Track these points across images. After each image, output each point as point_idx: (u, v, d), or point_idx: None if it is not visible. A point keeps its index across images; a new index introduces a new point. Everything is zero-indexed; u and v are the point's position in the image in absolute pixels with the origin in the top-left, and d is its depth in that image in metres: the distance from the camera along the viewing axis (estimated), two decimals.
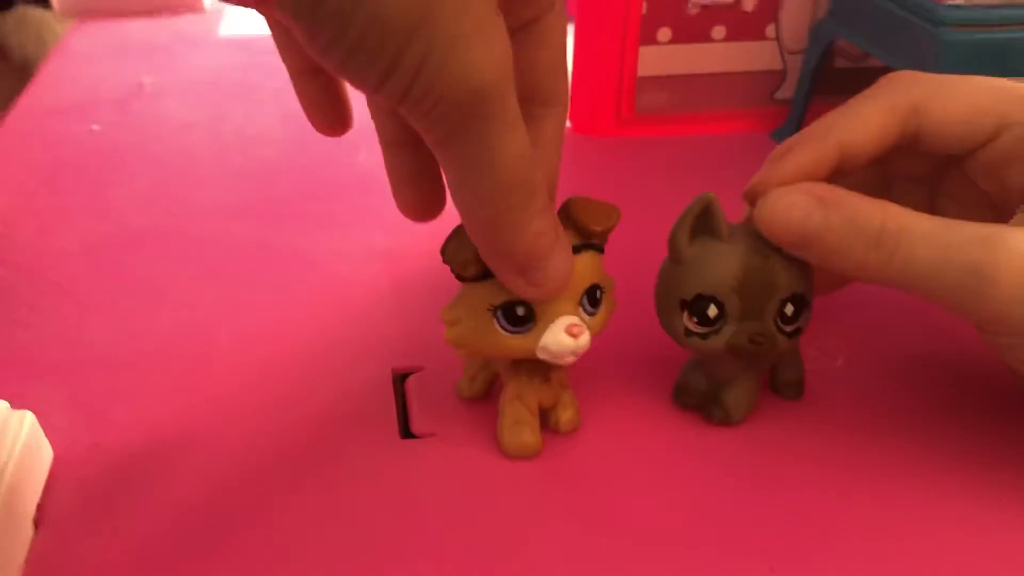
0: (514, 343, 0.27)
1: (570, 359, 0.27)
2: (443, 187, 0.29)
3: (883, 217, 0.27)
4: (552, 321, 0.27)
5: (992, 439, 0.30)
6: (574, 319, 0.27)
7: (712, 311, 0.28)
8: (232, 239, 0.41)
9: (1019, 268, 0.25)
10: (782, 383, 0.32)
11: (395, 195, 0.30)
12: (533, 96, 0.27)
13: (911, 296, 0.28)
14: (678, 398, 0.31)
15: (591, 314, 0.28)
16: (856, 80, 0.52)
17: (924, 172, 0.32)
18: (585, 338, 0.27)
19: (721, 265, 0.28)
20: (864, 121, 0.29)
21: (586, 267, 0.27)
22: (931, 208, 0.32)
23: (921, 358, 0.34)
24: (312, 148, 0.50)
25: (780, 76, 0.52)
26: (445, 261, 0.27)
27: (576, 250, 0.27)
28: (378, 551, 0.26)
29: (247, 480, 0.28)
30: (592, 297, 0.28)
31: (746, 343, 0.28)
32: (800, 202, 0.27)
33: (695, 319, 0.29)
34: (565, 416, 0.30)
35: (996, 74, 0.30)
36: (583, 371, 0.32)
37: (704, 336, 0.29)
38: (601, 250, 0.28)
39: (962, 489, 0.28)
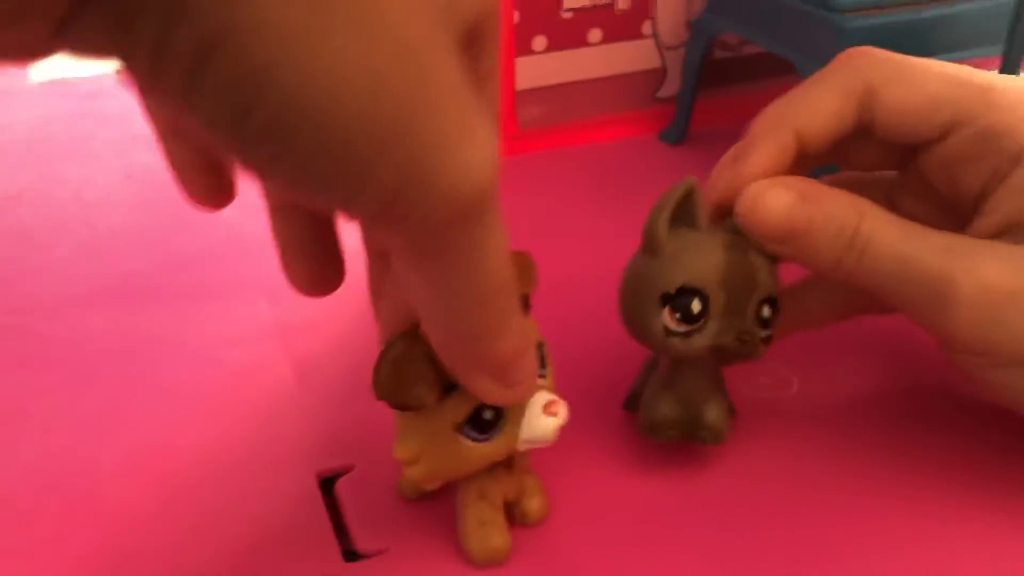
0: (488, 450, 0.23)
1: (552, 440, 0.24)
2: (342, 257, 0.25)
3: (860, 217, 0.26)
4: (523, 408, 0.23)
5: (954, 449, 0.29)
6: (546, 396, 0.24)
7: (696, 306, 0.25)
8: (92, 333, 0.35)
9: (978, 290, 0.24)
10: (703, 425, 0.28)
11: (285, 268, 0.26)
12: None
13: (867, 320, 0.26)
14: (655, 435, 0.28)
15: (543, 376, 0.24)
16: (739, 69, 0.51)
17: (881, 163, 0.30)
18: (564, 411, 0.24)
19: (706, 256, 0.26)
20: (818, 106, 0.28)
21: (533, 331, 0.24)
22: (888, 203, 0.30)
23: (874, 375, 0.33)
24: (167, 209, 0.44)
25: (661, 74, 0.50)
26: (380, 397, 0.23)
27: None
28: None
29: None
30: (541, 360, 0.24)
31: (733, 341, 0.26)
32: (784, 196, 0.26)
33: (678, 315, 0.26)
34: (533, 505, 0.26)
35: None
36: None
37: (686, 335, 0.26)
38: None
39: (929, 502, 0.27)
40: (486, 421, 0.23)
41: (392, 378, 0.22)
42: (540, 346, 0.25)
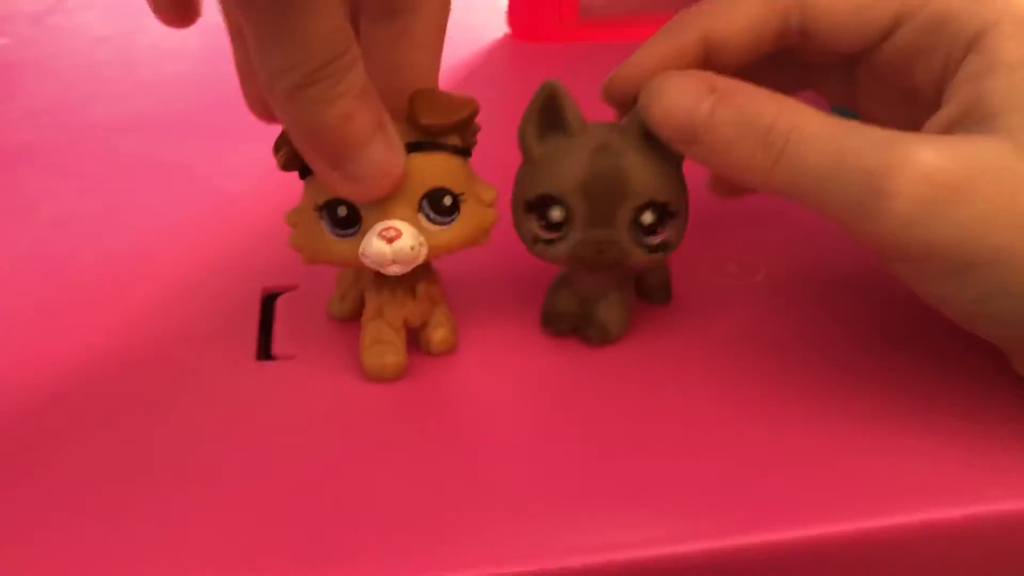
0: (342, 248, 0.24)
1: (395, 268, 0.24)
2: None
3: (776, 112, 0.23)
4: (374, 224, 0.24)
5: (910, 370, 0.26)
6: (392, 222, 0.24)
7: (557, 214, 0.25)
8: (122, 155, 0.38)
9: (920, 180, 0.21)
10: (648, 289, 0.29)
11: (243, 90, 0.27)
12: None
13: None
14: (548, 325, 0.28)
15: (440, 223, 0.25)
16: None
17: (836, 60, 0.27)
18: (403, 243, 0.23)
19: (567, 163, 0.25)
20: (734, 12, 0.25)
21: (430, 168, 0.24)
22: (853, 99, 0.28)
23: (850, 278, 0.31)
24: (229, 61, 0.46)
25: None
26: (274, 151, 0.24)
27: (420, 147, 0.24)
28: (219, 475, 0.23)
29: (87, 399, 0.26)
30: (437, 203, 0.24)
31: (590, 251, 0.25)
32: (690, 89, 0.24)
33: (541, 223, 0.25)
34: (437, 335, 0.27)
35: None
36: (465, 287, 0.29)
37: (549, 242, 0.25)
38: (463, 153, 0.25)
39: (858, 419, 0.25)
40: (339, 217, 0.24)
41: (280, 135, 0.24)
42: (443, 191, 0.24)
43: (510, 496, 0.23)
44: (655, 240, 0.25)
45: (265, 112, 0.27)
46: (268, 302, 0.30)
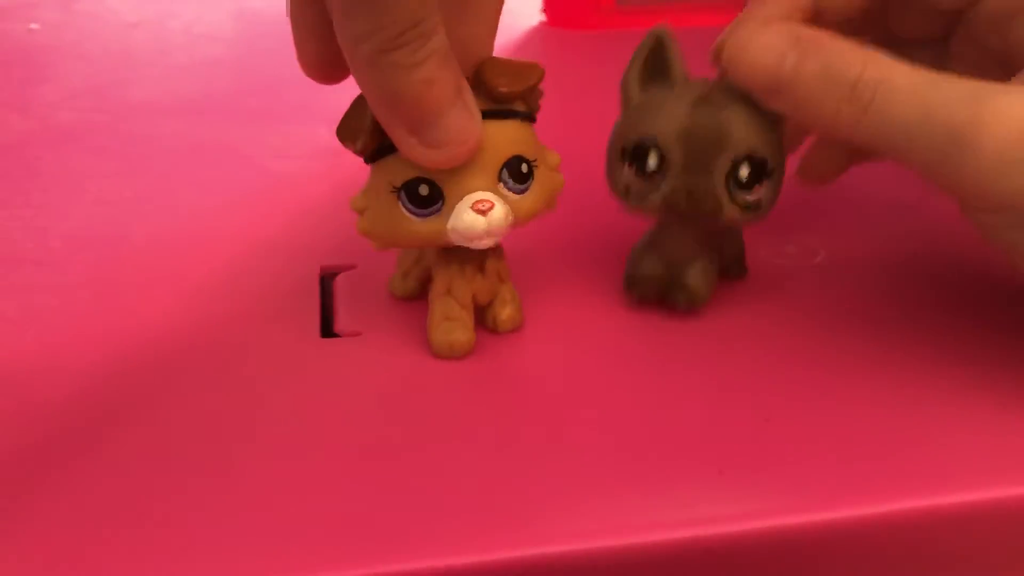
0: (423, 228, 0.24)
1: (487, 241, 0.24)
2: None
3: (863, 65, 0.23)
4: (461, 199, 0.23)
5: (973, 355, 0.26)
6: (484, 194, 0.23)
7: (653, 160, 0.25)
8: (164, 136, 0.38)
9: (1006, 132, 0.22)
10: (725, 262, 0.29)
11: (298, 49, 0.26)
12: None
13: (906, 192, 0.24)
14: (632, 289, 0.28)
15: (518, 191, 0.24)
16: None
17: (929, 32, 0.28)
18: (498, 214, 0.23)
19: (667, 109, 0.25)
20: None
21: (505, 135, 0.24)
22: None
23: (909, 262, 0.30)
24: (263, 45, 0.46)
25: None
26: (338, 136, 0.23)
27: (492, 115, 0.24)
28: (290, 451, 0.23)
29: (151, 378, 0.25)
30: (516, 171, 0.24)
31: (683, 200, 0.25)
32: (774, 43, 0.24)
33: (635, 168, 0.25)
34: (504, 313, 0.27)
35: None
36: (529, 263, 0.29)
37: (642, 193, 0.25)
38: (531, 119, 0.25)
39: (924, 400, 0.25)
40: (422, 196, 0.23)
41: (345, 118, 0.23)
42: (520, 159, 0.24)
43: (589, 472, 0.23)
44: (750, 197, 0.25)
45: (319, 70, 0.26)
46: (326, 282, 0.30)
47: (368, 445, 0.23)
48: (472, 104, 0.23)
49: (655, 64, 0.25)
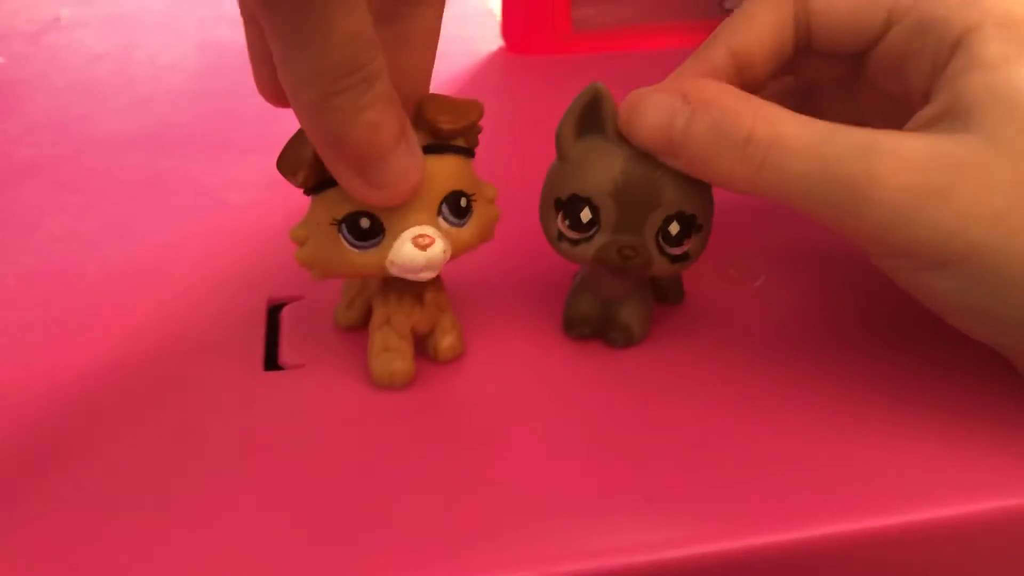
0: (363, 260, 0.24)
1: (427, 274, 0.24)
2: None
3: (753, 122, 0.23)
4: (400, 233, 0.24)
5: (914, 370, 0.27)
6: (424, 229, 0.24)
7: (586, 215, 0.25)
8: (122, 169, 0.38)
9: (899, 184, 0.22)
10: (662, 290, 0.29)
11: (255, 75, 0.27)
12: None
13: None
14: (570, 330, 0.28)
15: (457, 224, 0.25)
16: None
17: (837, 77, 0.28)
18: (436, 249, 0.24)
19: (601, 166, 0.25)
20: (753, 20, 0.26)
21: (444, 171, 0.24)
22: (855, 119, 0.29)
23: (852, 281, 0.31)
24: (227, 76, 0.47)
25: None
26: (278, 167, 0.24)
27: (432, 150, 0.24)
28: (232, 484, 0.24)
29: (94, 413, 0.26)
30: (455, 206, 0.25)
31: (614, 256, 0.25)
32: (663, 103, 0.24)
33: (567, 222, 0.26)
34: (444, 342, 0.27)
35: None
36: (470, 293, 0.30)
37: (575, 242, 0.26)
38: (469, 154, 0.26)
39: (857, 424, 0.25)
40: (362, 229, 0.24)
41: (284, 151, 0.24)
42: (460, 194, 0.25)
43: (524, 500, 0.23)
44: (679, 251, 0.26)
45: (277, 97, 0.26)
46: (273, 313, 0.30)
47: (307, 478, 0.24)
48: (415, 143, 0.24)
49: (591, 116, 0.25)
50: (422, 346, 0.27)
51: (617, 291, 0.27)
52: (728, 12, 0.49)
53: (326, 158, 0.23)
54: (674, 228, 0.25)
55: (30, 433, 0.25)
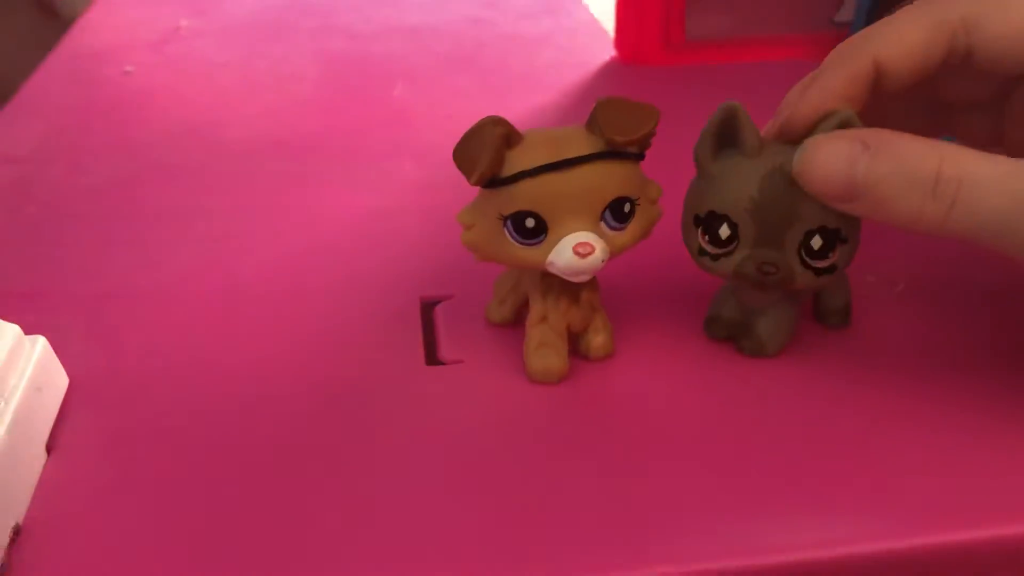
0: (525, 254, 0.25)
1: (584, 277, 0.25)
2: None
3: (939, 161, 0.23)
4: (563, 236, 0.25)
5: None
6: (585, 236, 0.25)
7: (724, 231, 0.26)
8: (262, 175, 0.40)
9: None
10: (825, 310, 0.29)
11: None
12: None
13: None
14: (708, 329, 0.29)
15: (617, 228, 0.26)
16: None
17: (985, 96, 0.28)
18: (595, 257, 0.25)
19: (738, 183, 0.26)
20: (904, 35, 0.26)
21: (613, 177, 0.25)
22: (997, 135, 0.29)
23: (993, 292, 0.31)
24: (346, 84, 0.48)
25: None
26: (455, 159, 0.25)
27: (602, 157, 0.25)
28: (396, 474, 0.25)
29: (263, 410, 0.27)
30: (618, 211, 0.25)
31: (753, 271, 0.26)
32: (842, 149, 0.24)
33: (707, 238, 0.26)
34: (597, 341, 0.28)
35: None
36: (623, 293, 0.30)
37: (715, 257, 0.26)
38: (639, 157, 0.26)
39: (999, 437, 0.25)
40: (527, 228, 0.25)
41: (460, 149, 0.25)
42: (624, 200, 0.25)
43: (678, 496, 0.24)
44: (823, 264, 0.26)
45: None
46: (427, 310, 0.31)
47: (471, 469, 0.25)
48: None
49: (727, 135, 0.26)
50: (575, 344, 0.28)
51: (760, 302, 0.28)
52: (838, 25, 0.49)
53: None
54: (816, 242, 0.25)
55: (203, 426, 0.27)
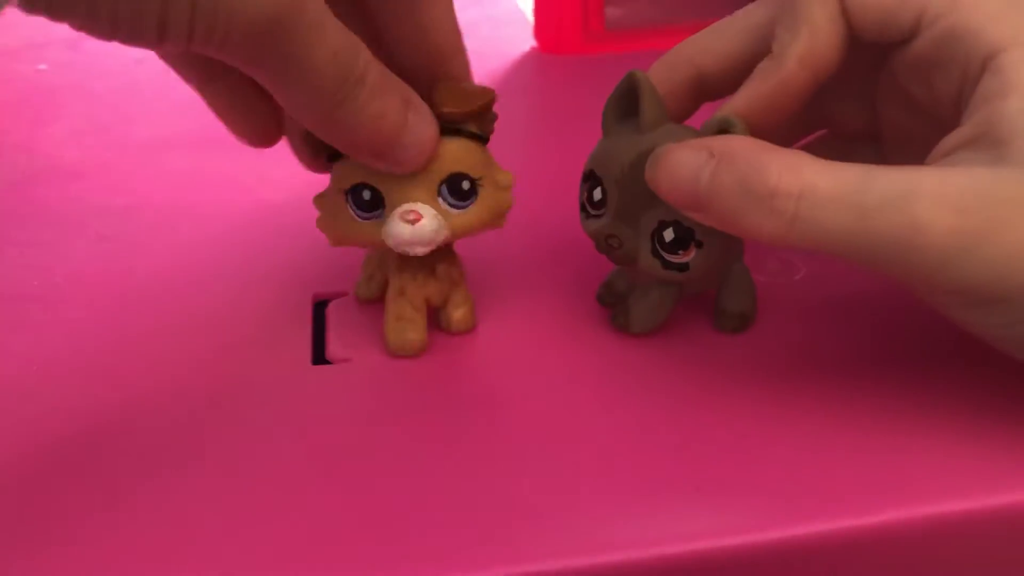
0: (366, 229, 0.26)
1: (419, 249, 0.26)
2: (275, 109, 0.27)
3: (779, 175, 0.22)
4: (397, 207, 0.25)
5: (951, 379, 0.27)
6: (415, 205, 0.25)
7: (597, 195, 0.26)
8: (164, 171, 0.39)
9: (945, 226, 0.21)
10: (720, 312, 0.29)
11: (230, 129, 0.28)
12: None
13: None
14: (599, 294, 0.29)
15: (458, 207, 0.26)
16: None
17: (854, 79, 0.28)
18: (424, 225, 0.25)
19: (617, 152, 0.26)
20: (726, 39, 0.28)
21: (448, 153, 0.26)
22: (872, 117, 0.29)
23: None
24: None
25: None
26: (305, 146, 0.27)
27: (441, 133, 0.25)
28: (269, 475, 0.24)
29: (144, 412, 0.26)
30: (456, 187, 0.26)
31: (602, 241, 0.26)
32: (688, 159, 0.23)
33: (586, 195, 0.27)
34: (457, 314, 0.28)
35: None
36: (488, 270, 0.31)
37: (587, 216, 0.27)
38: (481, 140, 0.26)
39: (894, 427, 0.25)
40: (364, 200, 0.26)
41: (307, 133, 0.26)
42: (461, 176, 0.26)
43: (538, 492, 0.23)
44: (673, 259, 0.26)
45: (257, 141, 0.29)
46: (319, 309, 0.31)
47: (357, 467, 0.24)
48: (420, 106, 0.25)
49: (629, 104, 0.26)
50: (436, 318, 0.28)
51: (639, 278, 0.28)
52: None
53: (352, 155, 0.25)
54: (669, 234, 0.25)
55: (80, 431, 0.26)
